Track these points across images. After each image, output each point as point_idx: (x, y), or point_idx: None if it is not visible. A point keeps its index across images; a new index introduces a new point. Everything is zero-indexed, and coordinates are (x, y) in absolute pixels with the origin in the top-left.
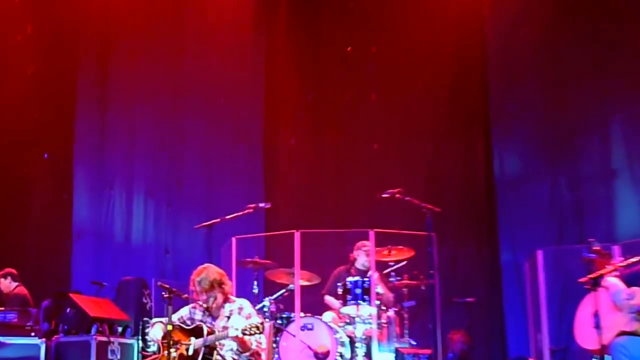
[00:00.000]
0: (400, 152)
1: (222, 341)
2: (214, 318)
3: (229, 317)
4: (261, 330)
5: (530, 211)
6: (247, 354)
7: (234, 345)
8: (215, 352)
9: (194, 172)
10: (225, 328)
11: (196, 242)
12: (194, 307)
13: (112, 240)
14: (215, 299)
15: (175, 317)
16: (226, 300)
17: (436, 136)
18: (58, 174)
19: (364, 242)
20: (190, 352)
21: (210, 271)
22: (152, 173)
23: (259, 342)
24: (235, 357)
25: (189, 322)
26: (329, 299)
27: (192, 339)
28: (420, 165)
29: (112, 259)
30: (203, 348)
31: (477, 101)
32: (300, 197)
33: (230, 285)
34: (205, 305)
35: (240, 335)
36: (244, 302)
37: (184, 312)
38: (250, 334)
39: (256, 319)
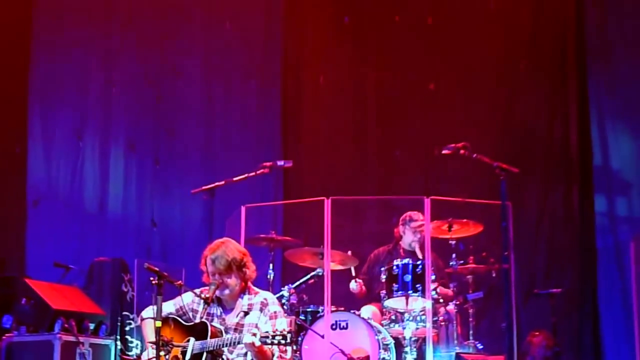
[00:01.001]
0: (465, 95)
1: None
2: (226, 311)
3: (246, 313)
4: (289, 340)
5: (638, 178)
6: None
7: (249, 354)
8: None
9: (190, 119)
10: (239, 327)
11: (193, 212)
12: (200, 295)
13: (81, 209)
14: (219, 288)
15: (170, 307)
16: (245, 289)
17: (513, 75)
18: (6, 118)
19: (414, 213)
20: (187, 357)
21: (229, 248)
22: (134, 119)
23: (283, 350)
24: None
25: (190, 315)
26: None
27: (191, 340)
28: (492, 113)
29: (80, 233)
30: (205, 354)
31: (567, 30)
32: (331, 153)
33: (253, 270)
34: (203, 296)
35: (258, 344)
36: (269, 297)
37: (187, 299)
38: (272, 343)
39: (283, 323)
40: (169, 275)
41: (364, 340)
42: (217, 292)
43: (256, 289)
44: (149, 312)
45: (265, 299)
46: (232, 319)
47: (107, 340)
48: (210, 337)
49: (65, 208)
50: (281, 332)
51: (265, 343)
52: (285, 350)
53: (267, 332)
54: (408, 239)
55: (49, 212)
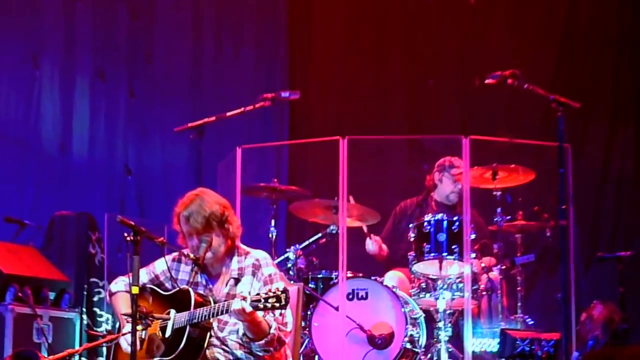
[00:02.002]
0: (513, 10)
1: (224, 317)
2: (212, 280)
3: (237, 281)
4: (284, 301)
5: None
6: (262, 342)
7: (241, 327)
8: (209, 335)
9: (172, 40)
10: (229, 298)
11: (177, 156)
12: (180, 260)
13: (38, 152)
14: (211, 246)
15: (143, 276)
16: (232, 250)
17: None
18: None
19: (455, 159)
20: (168, 333)
21: (205, 200)
22: (103, 38)
23: (282, 323)
24: (243, 344)
25: (168, 285)
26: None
27: (172, 312)
28: (547, 33)
29: (37, 182)
30: (189, 327)
31: None
32: (347, 83)
33: (238, 226)
34: (192, 256)
35: (249, 309)
36: (262, 256)
37: (162, 266)
38: (265, 308)
39: (279, 283)
40: (148, 231)
41: (388, 313)
42: (199, 253)
43: (246, 248)
44: (118, 285)
45: (257, 259)
46: (220, 289)
47: (70, 312)
48: (195, 307)
49: (19, 151)
50: (275, 293)
51: (257, 308)
52: (286, 323)
53: (258, 294)
54: (445, 189)
55: None
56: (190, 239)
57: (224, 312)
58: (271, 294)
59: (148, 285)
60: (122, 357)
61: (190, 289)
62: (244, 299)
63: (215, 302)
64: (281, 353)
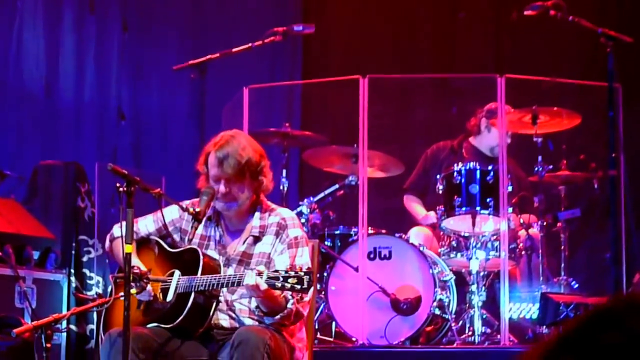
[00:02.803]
0: None
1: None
2: (229, 234)
3: (256, 239)
4: (307, 285)
5: None
6: (277, 317)
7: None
8: (214, 304)
9: None
10: (245, 257)
11: (176, 98)
12: (187, 210)
13: (20, 94)
14: (237, 198)
15: (150, 224)
16: (255, 205)
17: None
18: None
19: (489, 105)
20: (169, 297)
21: (243, 145)
22: None
23: (300, 298)
24: (253, 312)
25: (177, 237)
26: (410, 202)
27: (176, 273)
28: None
29: (19, 127)
30: (193, 294)
31: None
32: (367, 15)
33: (271, 180)
34: (192, 210)
35: (264, 287)
36: (289, 216)
37: (171, 214)
38: (283, 288)
39: (305, 256)
40: (143, 181)
41: (414, 275)
42: (219, 207)
43: (271, 205)
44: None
45: (283, 218)
46: (236, 247)
47: (57, 274)
48: (203, 272)
49: None
50: (296, 272)
51: (274, 287)
52: (305, 295)
53: (277, 271)
54: (490, 140)
55: None
56: (216, 184)
57: (235, 284)
58: (292, 273)
59: (154, 237)
60: (115, 322)
61: (200, 251)
62: (260, 274)
63: (227, 261)
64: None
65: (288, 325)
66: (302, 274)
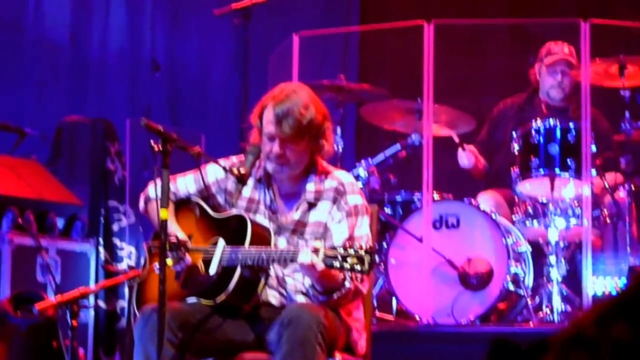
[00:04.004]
0: None
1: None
2: (283, 200)
3: (311, 205)
4: (368, 266)
5: None
6: (333, 296)
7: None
8: (263, 279)
9: None
10: (299, 227)
11: (217, 46)
12: (230, 170)
13: (43, 43)
14: (291, 161)
15: (190, 184)
16: (312, 167)
17: None
18: None
19: (554, 44)
20: (213, 270)
21: (305, 102)
22: None
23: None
24: (307, 292)
25: (221, 200)
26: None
27: (220, 242)
28: None
29: (41, 79)
30: (240, 268)
31: None
32: None
33: (331, 143)
34: (236, 170)
35: (320, 267)
36: (347, 180)
37: (217, 173)
38: (342, 268)
39: (365, 227)
40: (181, 138)
41: (485, 246)
42: (270, 168)
43: (327, 167)
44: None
45: (341, 183)
46: (288, 213)
47: (83, 244)
48: (251, 243)
49: (17, 41)
50: (356, 250)
51: (331, 267)
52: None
53: (334, 249)
54: (545, 84)
55: None
56: (270, 142)
57: (288, 261)
58: (352, 252)
59: (195, 199)
60: (149, 297)
61: (248, 218)
62: (316, 251)
63: (280, 229)
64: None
65: (345, 304)
66: (363, 253)
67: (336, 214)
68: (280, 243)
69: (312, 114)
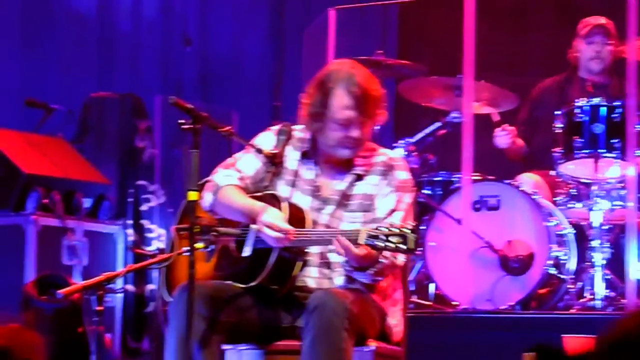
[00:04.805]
0: None
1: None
2: (327, 172)
3: (358, 177)
4: (413, 245)
5: None
6: (369, 272)
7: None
8: (301, 263)
9: None
10: (344, 199)
11: (250, 19)
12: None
13: (68, 14)
14: (357, 140)
15: (253, 162)
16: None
17: None
18: None
19: (586, 19)
20: (246, 252)
21: (369, 76)
22: None
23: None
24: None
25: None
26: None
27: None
28: None
29: (67, 53)
30: (276, 251)
31: None
32: None
33: (384, 119)
34: (266, 150)
35: (362, 242)
36: (397, 156)
37: (269, 139)
38: (385, 248)
39: (408, 203)
40: (211, 117)
41: (526, 228)
42: (344, 154)
43: (371, 144)
44: (227, 176)
45: (390, 158)
46: (334, 185)
47: (111, 226)
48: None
49: (43, 14)
50: (400, 229)
51: (374, 247)
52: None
53: (377, 228)
54: (584, 57)
55: (13, 17)
56: (343, 128)
57: (326, 243)
58: (396, 230)
59: (247, 176)
60: (179, 279)
61: (282, 199)
62: (360, 232)
63: (325, 202)
64: (386, 280)
65: (381, 280)
66: (408, 231)
67: (384, 188)
68: (324, 217)
69: (379, 89)
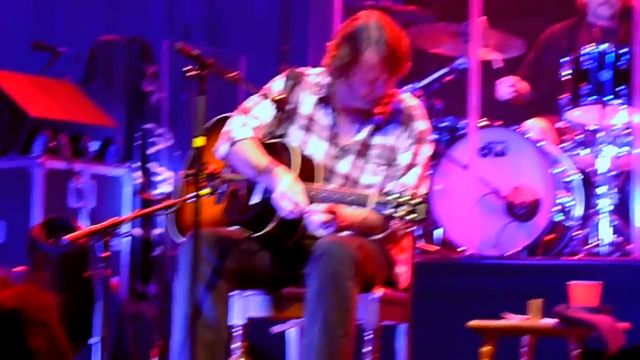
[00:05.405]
0: None
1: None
2: (345, 118)
3: (377, 127)
4: (423, 216)
5: None
6: (378, 236)
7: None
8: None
9: None
10: (363, 149)
11: None
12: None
13: None
14: (383, 97)
15: (268, 109)
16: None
17: None
18: None
19: None
20: (254, 200)
21: (399, 33)
22: None
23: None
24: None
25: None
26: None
27: None
28: None
29: None
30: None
31: None
32: None
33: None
34: (275, 96)
35: (369, 207)
36: (416, 103)
37: (278, 84)
38: (392, 217)
39: (424, 154)
40: (217, 63)
41: (532, 174)
42: (364, 106)
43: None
44: (243, 129)
45: (410, 106)
46: (351, 134)
47: (118, 169)
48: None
49: None
50: (411, 198)
51: (383, 214)
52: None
53: (386, 193)
54: (592, 3)
55: None
56: (369, 85)
57: (334, 202)
58: (406, 198)
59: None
60: (188, 223)
61: (292, 149)
62: (368, 197)
63: (343, 151)
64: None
65: (392, 244)
66: (418, 201)
67: (405, 140)
68: (343, 167)
69: (407, 46)
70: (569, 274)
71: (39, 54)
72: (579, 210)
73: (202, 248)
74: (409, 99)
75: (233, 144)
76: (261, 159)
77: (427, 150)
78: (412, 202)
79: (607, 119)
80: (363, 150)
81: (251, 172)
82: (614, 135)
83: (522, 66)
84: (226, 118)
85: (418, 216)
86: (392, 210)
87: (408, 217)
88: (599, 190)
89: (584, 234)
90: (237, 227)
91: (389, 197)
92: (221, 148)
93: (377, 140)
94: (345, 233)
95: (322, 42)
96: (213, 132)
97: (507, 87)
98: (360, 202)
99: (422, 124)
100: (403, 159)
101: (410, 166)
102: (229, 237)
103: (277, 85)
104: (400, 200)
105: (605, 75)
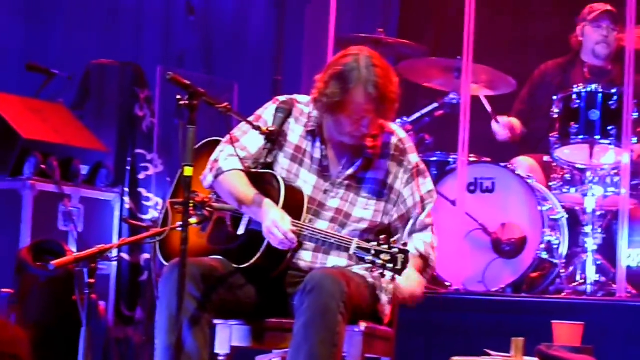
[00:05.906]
0: None
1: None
2: (334, 153)
3: (368, 161)
4: (401, 266)
5: None
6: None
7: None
8: (296, 247)
9: None
10: (353, 183)
11: None
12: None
13: None
14: (369, 134)
15: (257, 140)
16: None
17: None
18: None
19: (591, 5)
20: (240, 231)
21: (389, 72)
22: None
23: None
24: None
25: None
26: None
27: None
28: None
29: (69, 20)
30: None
31: None
32: None
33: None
34: (264, 128)
35: (351, 252)
36: (404, 135)
37: (269, 114)
38: (373, 264)
39: (428, 183)
40: (208, 92)
41: (520, 211)
42: (351, 142)
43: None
44: (229, 160)
45: (400, 139)
46: (342, 167)
47: (108, 193)
48: (283, 207)
49: None
50: (391, 247)
51: (362, 261)
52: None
53: (369, 241)
54: (589, 42)
55: None
56: (355, 122)
57: (317, 243)
58: (385, 247)
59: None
60: (174, 252)
61: (281, 181)
62: (351, 242)
63: (333, 186)
64: None
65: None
66: (397, 251)
67: (402, 175)
68: (333, 202)
69: (396, 86)
70: (553, 312)
71: (33, 75)
72: (564, 249)
73: (186, 284)
74: (398, 132)
75: (219, 175)
76: (248, 190)
77: (429, 181)
78: (392, 252)
79: (596, 159)
80: (353, 184)
81: (237, 203)
82: (601, 175)
83: (516, 101)
84: (215, 142)
85: (395, 266)
86: (372, 257)
87: (388, 266)
88: (585, 229)
89: (569, 272)
90: (222, 258)
91: (369, 245)
92: (208, 177)
93: (368, 174)
94: (336, 265)
95: (314, 73)
96: (201, 155)
97: (503, 130)
98: (342, 246)
99: (414, 157)
100: (405, 192)
101: (422, 200)
102: (212, 270)
103: (268, 114)
104: (378, 248)
105: (594, 114)
